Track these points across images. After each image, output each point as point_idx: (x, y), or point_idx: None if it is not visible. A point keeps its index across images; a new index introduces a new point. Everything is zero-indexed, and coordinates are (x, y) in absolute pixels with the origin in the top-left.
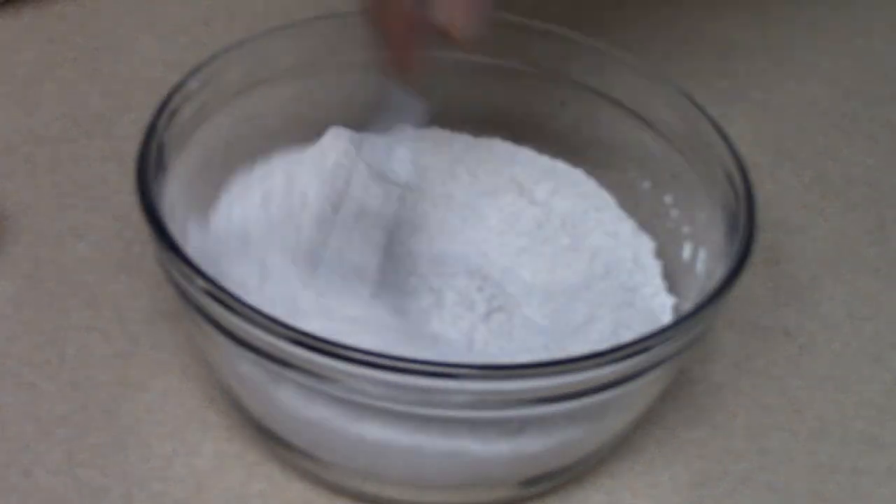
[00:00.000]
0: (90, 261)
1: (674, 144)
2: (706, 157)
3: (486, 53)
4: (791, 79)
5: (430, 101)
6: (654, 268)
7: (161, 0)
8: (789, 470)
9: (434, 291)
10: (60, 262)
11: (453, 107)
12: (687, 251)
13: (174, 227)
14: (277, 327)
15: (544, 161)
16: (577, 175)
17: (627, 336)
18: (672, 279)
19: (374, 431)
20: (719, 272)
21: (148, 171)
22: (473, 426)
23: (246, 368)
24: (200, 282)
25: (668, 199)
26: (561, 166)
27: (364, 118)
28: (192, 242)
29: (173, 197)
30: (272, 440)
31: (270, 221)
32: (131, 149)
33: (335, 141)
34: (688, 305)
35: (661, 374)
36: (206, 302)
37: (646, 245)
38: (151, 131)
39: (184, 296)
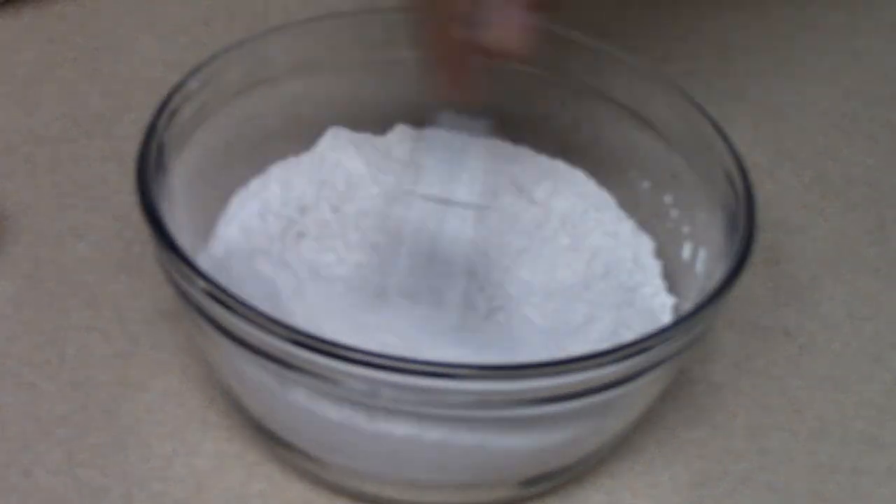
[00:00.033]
0: (90, 261)
1: (674, 144)
2: (706, 157)
3: (487, 53)
4: (791, 79)
5: (487, 114)
6: (653, 268)
7: (161, 0)
8: (789, 470)
9: (434, 291)
10: (60, 262)
11: (453, 107)
12: (687, 251)
13: (174, 227)
14: (278, 328)
15: (544, 161)
16: (576, 175)
17: (627, 336)
18: (672, 279)
19: (374, 431)
20: (719, 272)
21: (148, 171)
22: (473, 426)
23: (246, 369)
24: (200, 282)
25: (668, 199)
26: (561, 166)
27: (364, 118)
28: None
29: (173, 197)
30: (272, 440)
31: (269, 234)
32: (131, 149)
33: (335, 142)
34: (688, 305)
35: (661, 374)
36: (206, 302)
37: (645, 245)
38: (151, 131)
39: (184, 296)
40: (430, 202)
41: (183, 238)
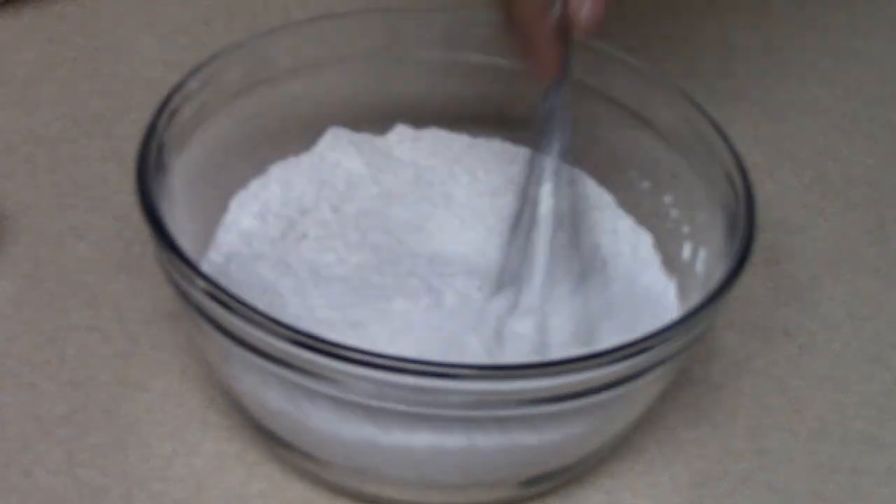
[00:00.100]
0: (90, 261)
1: (674, 144)
2: (706, 157)
3: (487, 53)
4: (791, 79)
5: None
6: (653, 261)
7: (161, 0)
8: (789, 470)
9: (434, 291)
10: (60, 262)
11: (453, 107)
12: (687, 251)
13: (174, 227)
14: (278, 328)
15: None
16: (576, 175)
17: (629, 332)
18: (672, 279)
19: (374, 431)
20: (719, 272)
21: (148, 171)
22: (473, 426)
23: (246, 368)
24: (200, 282)
25: (667, 199)
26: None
27: (364, 118)
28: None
29: (173, 197)
30: (272, 440)
31: (269, 236)
32: (131, 149)
33: (334, 142)
34: (688, 306)
35: (661, 374)
36: (206, 302)
37: (644, 240)
38: (151, 131)
39: (184, 296)
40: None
41: (183, 238)
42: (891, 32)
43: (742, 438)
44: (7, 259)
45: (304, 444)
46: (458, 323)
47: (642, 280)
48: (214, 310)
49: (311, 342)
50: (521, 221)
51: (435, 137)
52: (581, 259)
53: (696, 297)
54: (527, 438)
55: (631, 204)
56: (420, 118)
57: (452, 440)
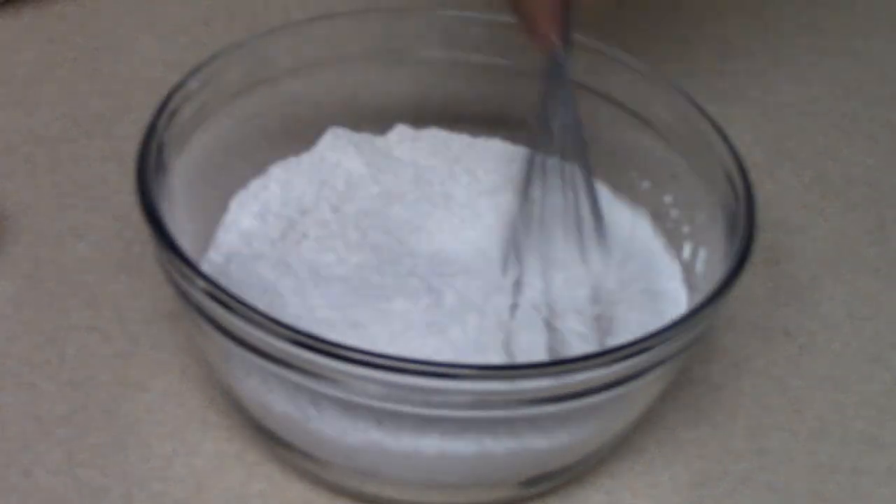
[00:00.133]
0: (90, 261)
1: (674, 144)
2: (706, 157)
3: (487, 53)
4: (791, 79)
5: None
6: (654, 240)
7: (161, 0)
8: (789, 470)
9: (434, 291)
10: (60, 262)
11: (453, 107)
12: (687, 251)
13: (174, 227)
14: (278, 328)
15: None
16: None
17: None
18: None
19: (374, 432)
20: (719, 272)
21: (148, 171)
22: (473, 426)
23: (246, 368)
24: (200, 282)
25: (668, 199)
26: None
27: (364, 118)
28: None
29: (173, 197)
30: (272, 440)
31: (269, 236)
32: (131, 149)
33: (334, 142)
34: (688, 306)
35: (661, 374)
36: (206, 302)
37: (641, 223)
38: (151, 131)
39: (184, 296)
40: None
41: (183, 238)
42: (891, 32)
43: (742, 438)
44: (7, 259)
45: (304, 444)
46: (459, 323)
47: (644, 281)
48: (214, 310)
49: (310, 342)
50: (524, 214)
51: (435, 137)
52: (584, 243)
53: (696, 297)
54: (527, 438)
55: (631, 204)
56: (420, 118)
57: (452, 440)
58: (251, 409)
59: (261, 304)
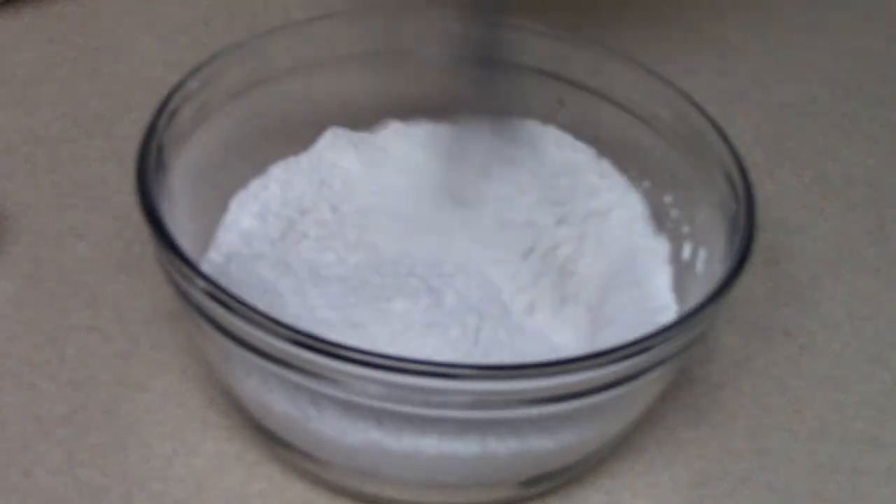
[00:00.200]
0: (90, 261)
1: (674, 144)
2: (706, 157)
3: (486, 53)
4: (791, 79)
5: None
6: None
7: (161, 0)
8: (789, 470)
9: (433, 291)
10: (60, 262)
11: (452, 106)
12: (687, 251)
13: (174, 227)
14: (278, 328)
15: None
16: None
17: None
18: (672, 279)
19: (374, 432)
20: (719, 272)
21: (148, 171)
22: (473, 426)
23: (246, 369)
24: (200, 282)
25: (667, 199)
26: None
27: (364, 118)
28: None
29: (173, 197)
30: (272, 440)
31: (269, 236)
32: (131, 149)
33: (333, 142)
34: (688, 305)
35: (661, 374)
36: (206, 302)
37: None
38: (151, 131)
39: (184, 296)
40: None
41: (183, 238)
42: (891, 32)
43: (742, 438)
44: (7, 259)
45: (304, 444)
46: (459, 323)
47: (647, 283)
48: (214, 310)
49: (310, 342)
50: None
51: (428, 131)
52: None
53: (696, 297)
54: (527, 438)
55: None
56: (420, 118)
57: (451, 440)
58: (251, 409)
59: (261, 304)
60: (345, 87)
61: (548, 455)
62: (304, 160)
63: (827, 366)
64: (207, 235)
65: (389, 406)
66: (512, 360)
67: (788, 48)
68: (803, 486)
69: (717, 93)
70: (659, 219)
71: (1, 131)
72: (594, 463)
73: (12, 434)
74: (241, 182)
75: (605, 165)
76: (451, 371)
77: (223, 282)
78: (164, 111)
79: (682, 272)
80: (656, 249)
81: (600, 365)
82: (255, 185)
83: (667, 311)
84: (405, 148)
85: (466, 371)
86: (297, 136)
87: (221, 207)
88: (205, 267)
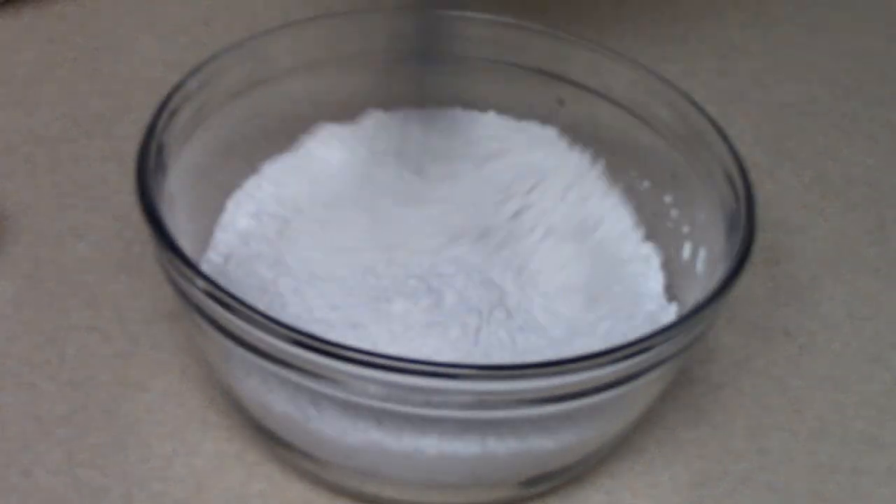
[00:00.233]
0: (90, 261)
1: (674, 144)
2: (706, 157)
3: (486, 53)
4: (791, 79)
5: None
6: (655, 266)
7: (161, 0)
8: (789, 470)
9: (434, 291)
10: (60, 262)
11: (452, 106)
12: (687, 251)
13: (174, 227)
14: (278, 328)
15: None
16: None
17: (630, 332)
18: (672, 279)
19: (374, 432)
20: (719, 272)
21: (148, 171)
22: (473, 426)
23: (246, 369)
24: (200, 282)
25: (667, 199)
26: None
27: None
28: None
29: (173, 197)
30: (272, 440)
31: (266, 235)
32: (131, 149)
33: (320, 137)
34: (688, 305)
35: (661, 375)
36: (206, 302)
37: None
38: (151, 131)
39: (184, 296)
40: None
41: (183, 238)
42: (891, 32)
43: (742, 438)
44: (7, 259)
45: (304, 444)
46: (459, 323)
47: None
48: (214, 310)
49: (310, 342)
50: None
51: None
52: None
53: (696, 297)
54: (527, 438)
55: (630, 204)
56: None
57: (451, 440)
58: (251, 409)
59: (260, 304)
60: (345, 88)
61: (548, 455)
62: (295, 157)
63: (827, 366)
64: (207, 235)
65: (389, 406)
66: (512, 360)
67: (788, 48)
68: (803, 486)
69: (717, 93)
70: (659, 219)
71: (1, 131)
72: (594, 463)
73: (12, 434)
74: (241, 182)
75: (597, 172)
76: (452, 371)
77: (222, 282)
78: (163, 111)
79: (682, 272)
80: (647, 256)
81: (600, 365)
82: (250, 184)
83: (665, 311)
84: (387, 137)
85: (466, 371)
86: (297, 136)
87: (221, 207)
88: (204, 267)
